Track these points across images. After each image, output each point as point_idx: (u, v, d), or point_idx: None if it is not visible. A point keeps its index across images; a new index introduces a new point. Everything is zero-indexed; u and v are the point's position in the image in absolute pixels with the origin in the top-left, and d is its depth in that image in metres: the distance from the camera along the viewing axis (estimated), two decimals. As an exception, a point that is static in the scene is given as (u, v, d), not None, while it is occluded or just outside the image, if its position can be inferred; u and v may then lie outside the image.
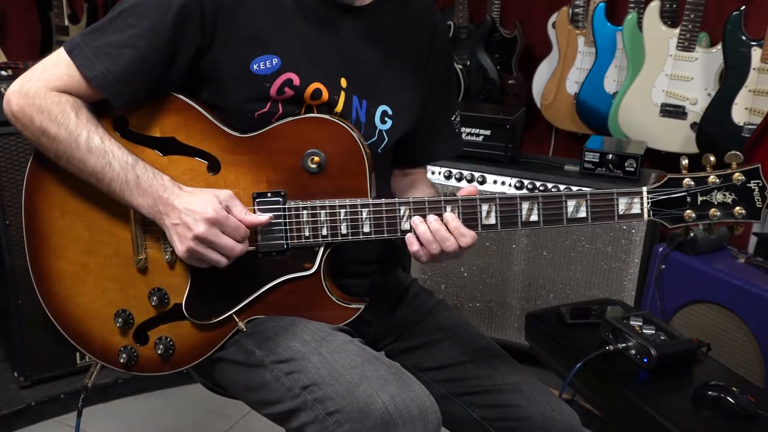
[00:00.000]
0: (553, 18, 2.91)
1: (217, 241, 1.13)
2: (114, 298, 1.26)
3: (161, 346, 1.26)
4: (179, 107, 1.20)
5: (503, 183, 2.45)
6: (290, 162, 1.19)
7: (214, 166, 1.21)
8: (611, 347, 1.75)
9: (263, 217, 1.18)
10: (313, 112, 1.23)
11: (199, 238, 1.13)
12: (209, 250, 1.14)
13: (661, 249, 2.29)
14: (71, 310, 1.27)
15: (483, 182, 2.47)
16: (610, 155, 2.37)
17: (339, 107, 1.26)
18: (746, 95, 2.38)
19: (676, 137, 2.63)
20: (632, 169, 2.36)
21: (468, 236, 1.16)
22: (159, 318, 1.26)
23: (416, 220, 1.17)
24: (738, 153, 1.15)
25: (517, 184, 2.43)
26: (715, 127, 2.47)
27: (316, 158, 1.18)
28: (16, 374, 2.33)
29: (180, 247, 1.15)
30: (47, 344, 2.25)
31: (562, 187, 2.38)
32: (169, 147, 1.21)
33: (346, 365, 1.14)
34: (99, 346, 1.28)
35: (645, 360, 1.69)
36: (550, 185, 2.40)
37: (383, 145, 1.33)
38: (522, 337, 2.13)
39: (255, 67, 1.19)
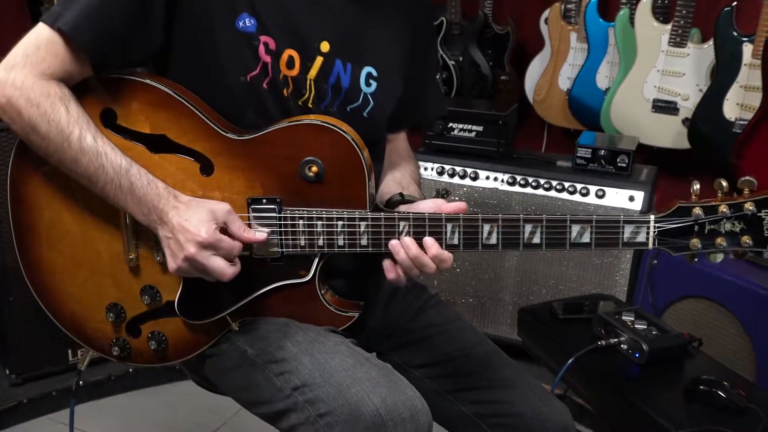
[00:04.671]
0: (545, 14, 2.91)
1: (208, 265, 1.11)
2: (105, 292, 1.25)
3: (153, 342, 1.25)
4: (170, 104, 1.17)
5: (496, 179, 2.45)
6: (287, 168, 1.17)
7: (206, 168, 1.18)
8: (603, 342, 1.75)
9: (261, 235, 1.16)
10: (289, 86, 1.21)
11: (189, 260, 1.10)
12: (199, 271, 1.12)
13: (653, 244, 2.29)
14: (63, 300, 1.26)
15: (476, 178, 2.47)
16: (602, 151, 2.38)
17: (312, 74, 1.23)
18: (737, 91, 2.39)
19: (668, 133, 2.63)
20: (624, 165, 2.36)
21: (447, 260, 1.15)
22: (151, 313, 1.25)
23: (395, 246, 1.15)
24: (752, 179, 1.12)
25: (509, 180, 2.43)
26: (706, 123, 2.47)
27: (314, 167, 1.15)
28: (7, 372, 2.32)
29: (171, 263, 1.13)
30: (39, 341, 2.24)
31: (554, 182, 2.39)
32: (159, 145, 1.18)
33: (338, 367, 1.13)
34: (92, 337, 1.28)
35: (637, 355, 1.70)
36: (542, 181, 2.40)
37: (369, 109, 1.30)
38: (514, 333, 2.13)
39: (240, 24, 1.17)
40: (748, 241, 1.12)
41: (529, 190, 2.42)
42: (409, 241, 1.14)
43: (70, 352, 2.36)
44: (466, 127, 2.52)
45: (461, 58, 3.08)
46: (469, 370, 1.33)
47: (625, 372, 1.70)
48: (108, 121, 1.18)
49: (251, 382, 1.20)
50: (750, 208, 1.11)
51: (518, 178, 2.43)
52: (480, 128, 2.50)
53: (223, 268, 1.12)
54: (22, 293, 1.29)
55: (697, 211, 1.12)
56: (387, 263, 1.17)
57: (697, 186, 1.14)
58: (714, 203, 1.12)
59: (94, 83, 1.17)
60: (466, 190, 2.48)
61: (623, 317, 1.80)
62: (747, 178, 1.12)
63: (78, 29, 1.10)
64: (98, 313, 1.26)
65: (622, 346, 1.74)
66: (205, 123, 1.17)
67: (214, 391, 1.39)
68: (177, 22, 1.17)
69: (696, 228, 1.13)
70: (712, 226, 1.13)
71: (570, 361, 1.71)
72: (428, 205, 1.19)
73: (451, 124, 2.52)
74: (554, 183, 2.39)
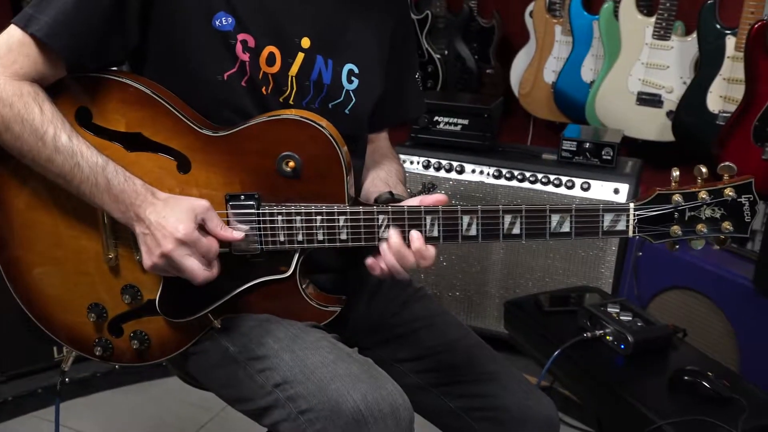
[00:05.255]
0: (530, 7, 2.92)
1: (183, 263, 1.09)
2: (86, 291, 1.24)
3: (136, 341, 1.24)
4: (145, 101, 1.16)
5: (482, 172, 2.45)
6: (264, 164, 1.16)
7: (183, 165, 1.17)
8: (589, 334, 1.76)
9: (238, 234, 1.15)
10: (269, 83, 1.20)
11: (165, 256, 1.09)
12: (175, 270, 1.11)
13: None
14: (43, 300, 1.25)
15: (461, 171, 2.47)
16: (587, 144, 2.39)
17: (293, 70, 1.22)
18: (721, 83, 2.41)
19: (653, 125, 2.65)
20: (609, 158, 2.37)
21: (429, 258, 1.14)
22: (133, 313, 1.24)
23: (384, 248, 1.14)
24: (732, 165, 1.11)
25: (495, 173, 2.43)
26: (690, 116, 2.49)
27: (291, 162, 1.14)
28: (-8, 370, 2.31)
29: (147, 260, 1.12)
30: (23, 339, 2.21)
31: (539, 175, 2.39)
32: (135, 143, 1.16)
33: (318, 363, 1.12)
34: (73, 337, 1.27)
35: (622, 346, 1.71)
36: (528, 174, 2.41)
37: (350, 106, 1.29)
38: (501, 326, 2.14)
39: (217, 22, 1.16)
40: (728, 227, 1.12)
41: (514, 183, 2.43)
42: (393, 232, 1.14)
43: (55, 349, 2.35)
44: (451, 120, 2.52)
45: (446, 52, 3.07)
46: (454, 364, 1.33)
47: (611, 363, 1.71)
48: (83, 120, 1.16)
49: (233, 379, 1.20)
50: (730, 193, 1.11)
51: (504, 171, 2.43)
52: (465, 122, 2.51)
53: (196, 270, 1.10)
54: (4, 291, 1.27)
55: (677, 197, 1.12)
56: (370, 261, 1.17)
57: (676, 173, 1.13)
58: (693, 190, 1.12)
59: (69, 82, 1.15)
60: (452, 183, 2.48)
61: (609, 309, 1.81)
62: (726, 164, 1.12)
63: (52, 35, 1.08)
64: (79, 313, 1.24)
65: (607, 337, 1.75)
66: (181, 120, 1.16)
67: (199, 387, 1.38)
68: (153, 21, 1.16)
69: (676, 215, 1.12)
70: (692, 213, 1.12)
71: (556, 353, 1.72)
72: (414, 203, 1.19)
73: (436, 118, 2.53)
74: (540, 176, 2.40)
